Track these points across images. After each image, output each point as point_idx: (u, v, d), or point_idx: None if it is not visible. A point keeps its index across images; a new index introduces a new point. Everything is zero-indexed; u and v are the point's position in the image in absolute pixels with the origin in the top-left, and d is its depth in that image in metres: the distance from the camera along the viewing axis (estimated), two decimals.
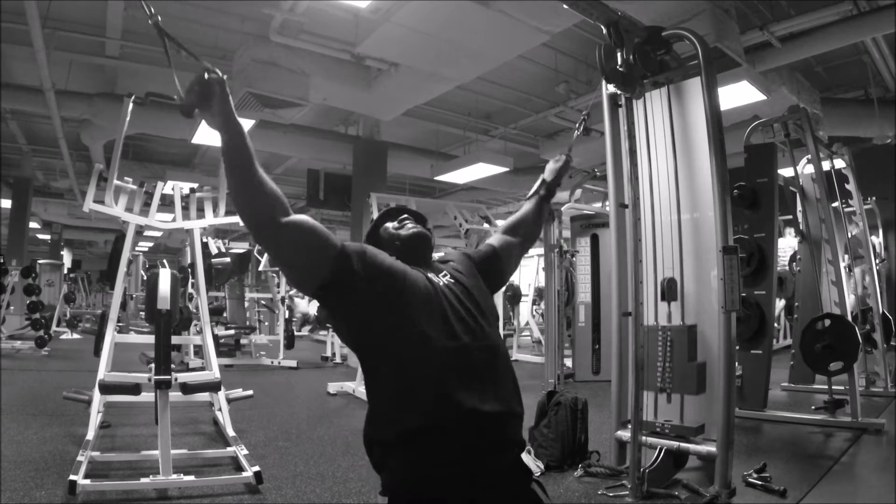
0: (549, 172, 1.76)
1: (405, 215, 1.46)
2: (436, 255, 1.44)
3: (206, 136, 5.83)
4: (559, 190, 1.80)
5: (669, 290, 2.77)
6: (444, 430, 1.10)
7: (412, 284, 1.21)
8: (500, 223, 1.64)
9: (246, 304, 9.14)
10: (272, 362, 7.47)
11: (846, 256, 5.21)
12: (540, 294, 9.28)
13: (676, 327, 2.76)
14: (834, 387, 4.08)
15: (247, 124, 5.96)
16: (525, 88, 7.02)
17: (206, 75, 1.08)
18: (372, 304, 1.18)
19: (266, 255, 8.30)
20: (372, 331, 1.19)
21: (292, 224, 1.15)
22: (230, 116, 1.11)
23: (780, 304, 8.06)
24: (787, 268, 6.90)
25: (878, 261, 5.84)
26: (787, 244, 7.26)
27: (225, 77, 1.11)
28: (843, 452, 3.40)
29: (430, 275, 1.28)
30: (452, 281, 1.29)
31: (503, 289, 8.36)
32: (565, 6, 2.60)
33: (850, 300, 4.58)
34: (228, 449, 3.14)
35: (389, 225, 1.42)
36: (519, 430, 1.22)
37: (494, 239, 1.58)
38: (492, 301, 1.37)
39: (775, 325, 7.54)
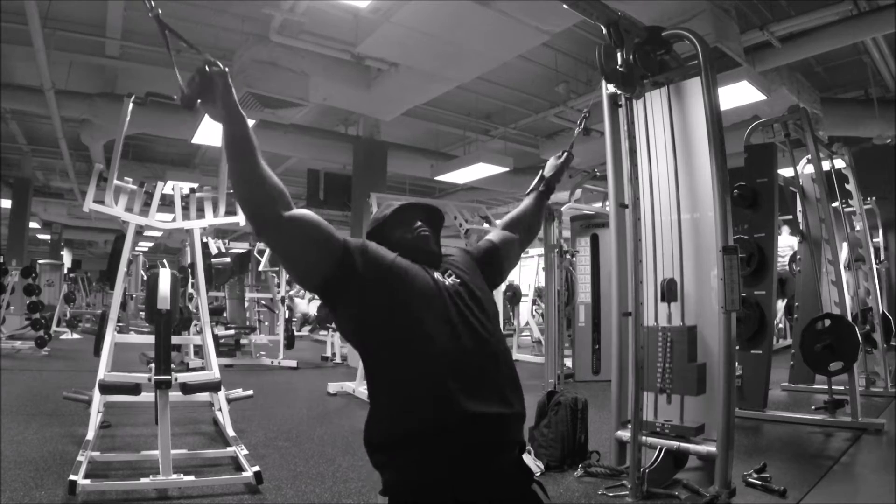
0: (549, 168, 1.77)
1: (420, 224, 1.33)
2: None
3: (207, 136, 5.82)
4: (559, 189, 1.81)
5: (669, 291, 2.77)
6: (445, 432, 1.10)
7: (415, 284, 1.19)
8: (500, 221, 1.57)
9: (246, 304, 9.14)
10: (272, 362, 7.47)
11: (846, 256, 5.21)
12: (540, 294, 9.27)
13: (676, 328, 2.76)
14: (834, 387, 4.08)
15: None
16: (525, 88, 7.02)
17: (206, 67, 1.08)
18: (374, 305, 1.17)
19: (266, 254, 8.30)
20: (374, 331, 1.18)
21: (294, 218, 1.13)
22: (232, 108, 1.10)
23: (780, 304, 8.06)
24: (786, 268, 6.90)
25: (877, 261, 5.84)
26: (785, 243, 7.25)
27: (227, 70, 1.10)
28: (843, 452, 3.40)
29: (436, 274, 1.25)
30: (458, 281, 1.27)
31: (503, 289, 8.36)
32: (565, 6, 2.60)
33: (849, 300, 4.57)
34: (228, 449, 3.14)
35: (404, 234, 1.32)
36: (520, 431, 1.22)
37: (494, 235, 1.55)
38: (492, 297, 1.36)
39: (779, 325, 7.53)
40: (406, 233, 1.32)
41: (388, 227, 1.34)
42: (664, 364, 2.73)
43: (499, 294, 6.76)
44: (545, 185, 1.74)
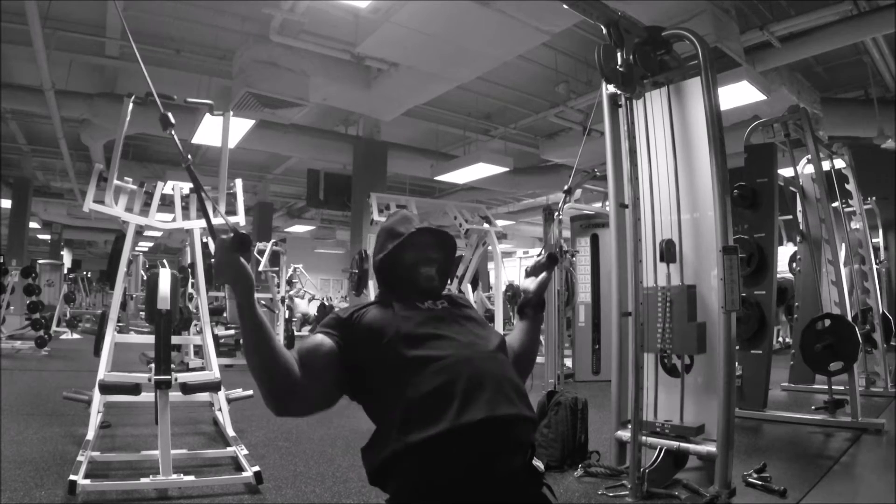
0: (526, 284, 1.55)
1: (433, 255, 1.40)
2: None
3: (206, 136, 5.82)
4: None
5: (668, 252, 2.79)
6: (452, 436, 1.09)
7: (400, 321, 1.24)
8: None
9: None
10: None
11: (846, 256, 5.21)
12: None
13: (676, 287, 2.76)
14: (834, 387, 4.08)
15: (247, 124, 5.99)
16: (525, 88, 7.03)
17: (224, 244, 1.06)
18: (370, 355, 1.21)
19: (266, 254, 8.28)
20: (375, 372, 1.21)
21: (305, 387, 1.15)
22: (241, 310, 1.08)
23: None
24: (787, 274, 6.85)
25: (877, 261, 5.84)
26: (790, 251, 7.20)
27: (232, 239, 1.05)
28: (843, 452, 3.40)
29: (427, 302, 1.31)
30: (449, 305, 1.33)
31: (503, 288, 8.35)
32: (565, 6, 2.60)
33: (849, 300, 4.57)
34: (228, 449, 3.13)
35: (415, 263, 1.37)
36: (528, 433, 1.21)
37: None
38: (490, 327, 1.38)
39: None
40: (417, 262, 1.37)
41: (400, 251, 1.38)
42: (664, 324, 2.72)
43: (499, 294, 6.75)
44: (525, 303, 1.54)
